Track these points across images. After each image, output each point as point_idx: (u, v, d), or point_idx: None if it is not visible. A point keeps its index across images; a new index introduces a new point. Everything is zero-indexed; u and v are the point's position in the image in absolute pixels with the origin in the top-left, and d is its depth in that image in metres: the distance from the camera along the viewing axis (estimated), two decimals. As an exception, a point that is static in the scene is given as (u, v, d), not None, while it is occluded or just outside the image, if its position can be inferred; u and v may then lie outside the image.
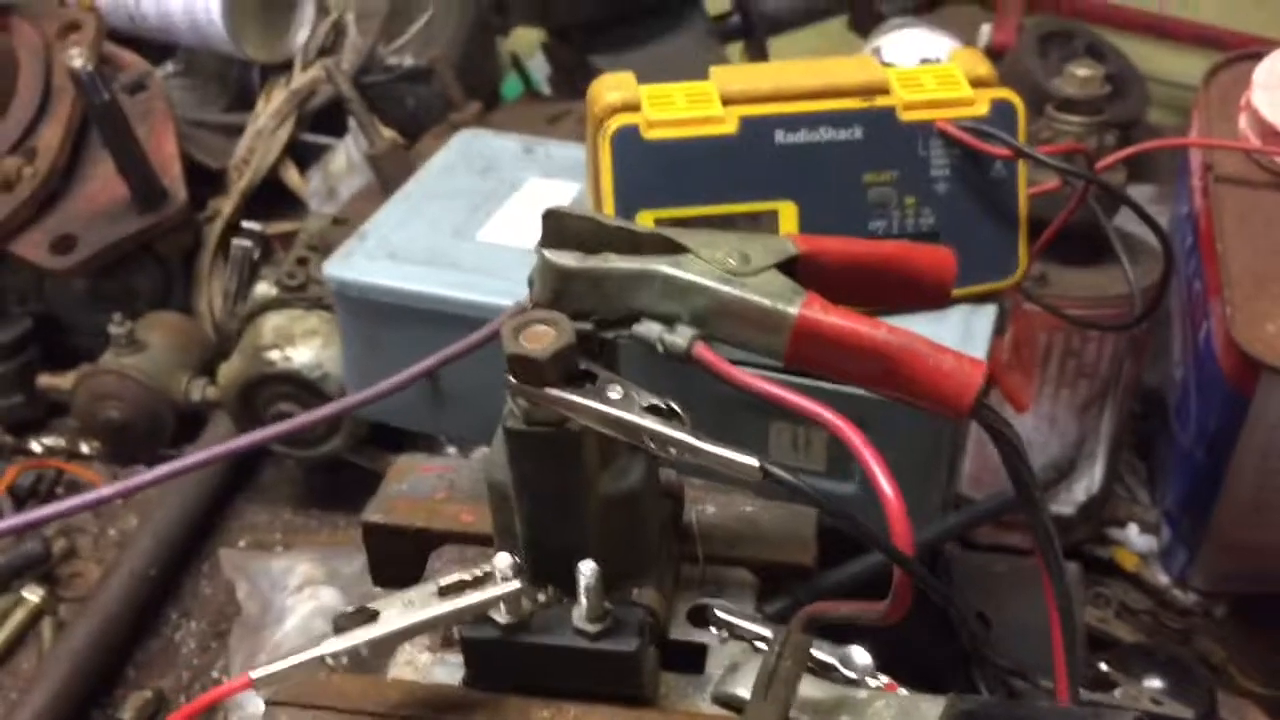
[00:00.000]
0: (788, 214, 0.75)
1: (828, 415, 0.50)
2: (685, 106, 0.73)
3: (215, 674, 1.10)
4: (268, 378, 1.15)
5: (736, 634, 0.61)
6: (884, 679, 0.59)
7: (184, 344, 1.32)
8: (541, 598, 0.58)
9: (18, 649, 1.11)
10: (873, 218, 0.75)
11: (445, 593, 0.56)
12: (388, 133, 1.43)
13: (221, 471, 1.25)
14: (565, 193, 0.90)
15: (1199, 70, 1.72)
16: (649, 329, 0.54)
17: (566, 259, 0.54)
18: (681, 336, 0.54)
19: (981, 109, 0.75)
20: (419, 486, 0.71)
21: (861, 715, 0.55)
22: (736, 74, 0.76)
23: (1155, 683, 0.91)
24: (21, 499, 1.23)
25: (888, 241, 0.64)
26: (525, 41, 1.67)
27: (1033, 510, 0.54)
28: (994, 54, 1.65)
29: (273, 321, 1.17)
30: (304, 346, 1.14)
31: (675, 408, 0.51)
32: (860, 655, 0.58)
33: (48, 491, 1.26)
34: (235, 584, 1.13)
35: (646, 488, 0.58)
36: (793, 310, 0.53)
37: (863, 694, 0.56)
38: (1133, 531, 1.16)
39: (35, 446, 1.31)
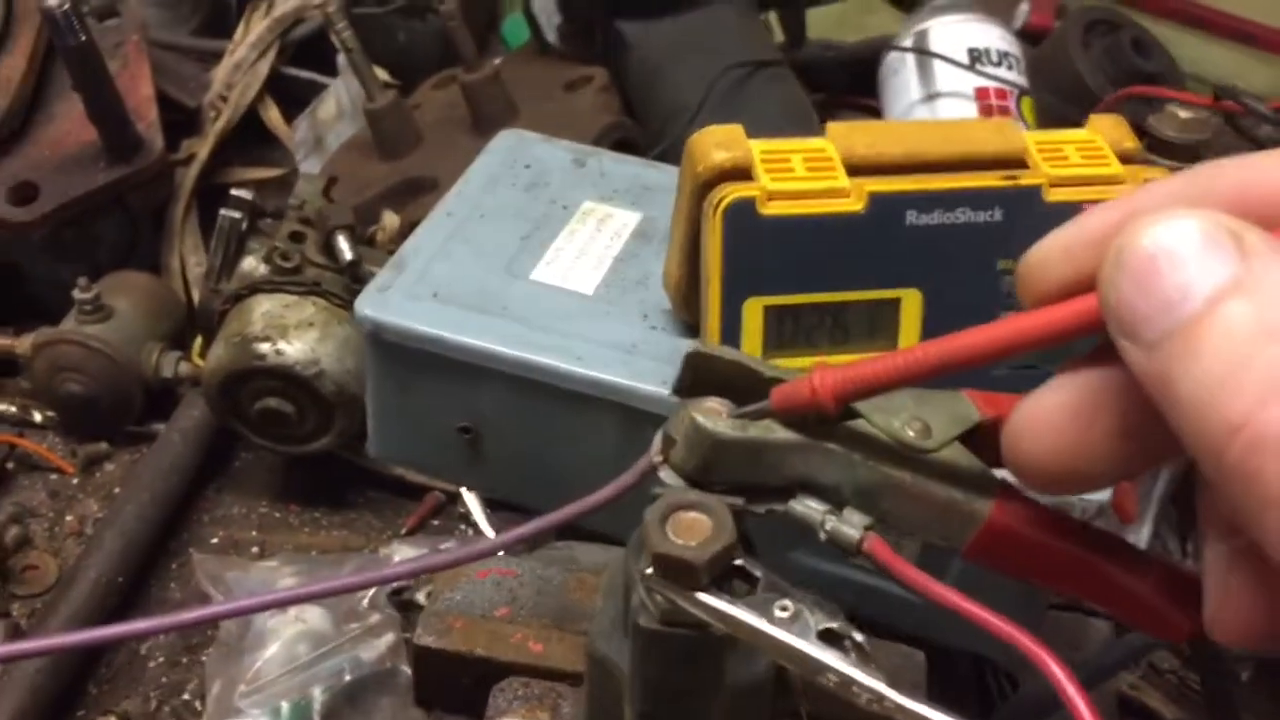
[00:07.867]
0: (911, 304, 0.66)
1: (1024, 639, 0.42)
2: (805, 175, 0.64)
3: (186, 695, 1.00)
4: (256, 371, 1.04)
5: (852, 815, 0.54)
6: None
7: (155, 310, 1.19)
8: (645, 790, 0.50)
9: (-35, 655, 1.01)
10: (1004, 307, 0.67)
11: (543, 794, 0.48)
12: (388, 86, 1.31)
13: (191, 457, 1.14)
14: (625, 222, 0.80)
15: (1230, 65, 1.66)
16: (810, 511, 0.46)
17: (723, 427, 0.45)
18: (851, 526, 0.45)
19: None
20: (475, 598, 0.62)
21: None
22: (857, 134, 0.66)
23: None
24: (-32, 477, 1.11)
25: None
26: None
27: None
28: (1030, 36, 1.56)
29: (263, 307, 1.05)
30: (298, 340, 1.03)
31: (855, 635, 0.42)
32: None
33: (-2, 469, 1.14)
34: (210, 595, 1.03)
35: (773, 672, 0.50)
36: (984, 508, 0.45)
37: None
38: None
39: (-19, 411, 1.19)
